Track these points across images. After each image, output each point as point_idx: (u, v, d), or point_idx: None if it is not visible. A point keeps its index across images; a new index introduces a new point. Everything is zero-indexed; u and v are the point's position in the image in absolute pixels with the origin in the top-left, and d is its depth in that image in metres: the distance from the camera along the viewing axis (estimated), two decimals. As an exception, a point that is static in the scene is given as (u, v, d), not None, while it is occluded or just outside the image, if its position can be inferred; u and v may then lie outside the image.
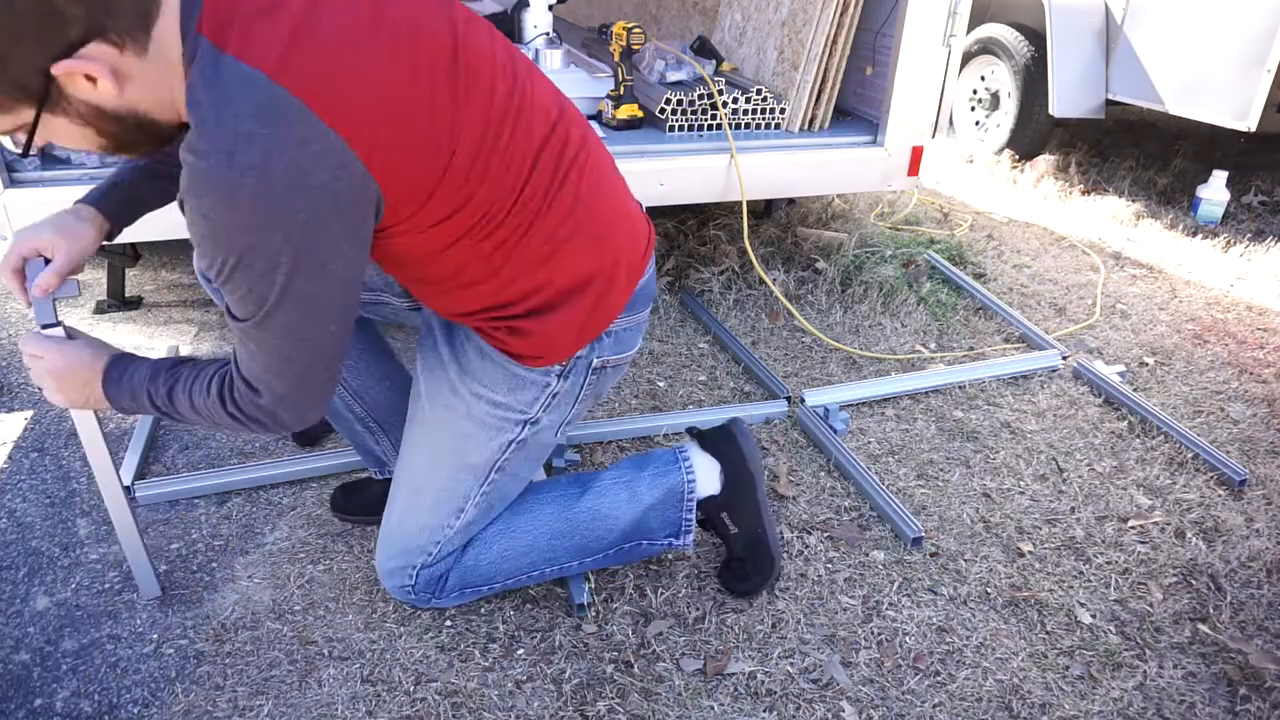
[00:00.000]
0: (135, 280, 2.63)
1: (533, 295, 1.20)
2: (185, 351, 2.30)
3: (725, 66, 2.69)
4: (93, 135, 0.97)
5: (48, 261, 1.17)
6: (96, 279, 2.61)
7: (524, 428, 1.31)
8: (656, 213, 3.01)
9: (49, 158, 1.94)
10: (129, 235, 2.07)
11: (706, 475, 1.49)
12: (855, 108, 2.66)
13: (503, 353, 1.26)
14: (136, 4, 0.89)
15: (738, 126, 2.48)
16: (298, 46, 0.92)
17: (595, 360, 1.30)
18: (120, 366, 1.16)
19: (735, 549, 1.52)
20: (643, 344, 2.39)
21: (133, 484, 1.73)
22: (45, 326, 1.18)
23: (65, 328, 1.19)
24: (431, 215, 1.07)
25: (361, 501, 1.70)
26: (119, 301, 2.48)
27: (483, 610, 1.50)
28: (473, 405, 1.29)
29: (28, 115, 0.90)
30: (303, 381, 1.08)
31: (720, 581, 1.57)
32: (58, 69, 0.86)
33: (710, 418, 2.04)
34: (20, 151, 0.95)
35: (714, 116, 2.44)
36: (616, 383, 1.37)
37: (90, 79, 0.89)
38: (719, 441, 1.51)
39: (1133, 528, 1.77)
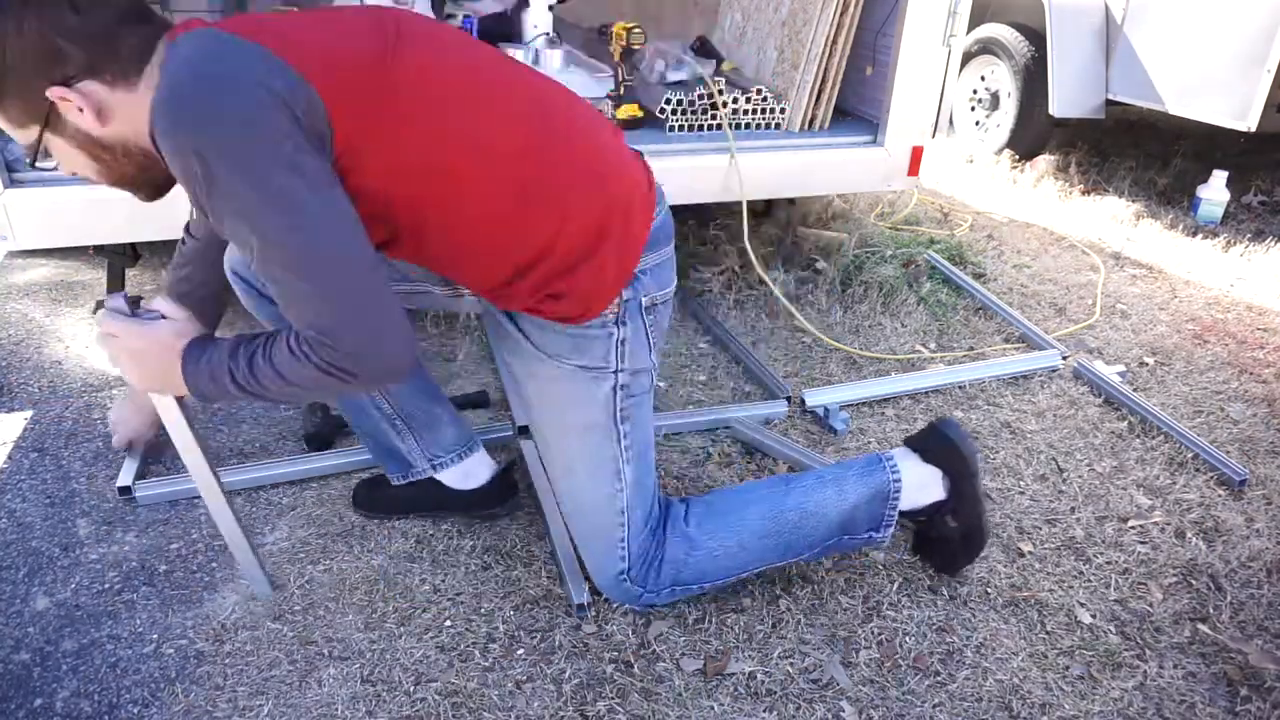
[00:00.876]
0: (135, 280, 2.63)
1: (553, 247, 1.21)
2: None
3: (725, 66, 2.70)
4: (87, 160, 1.10)
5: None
6: (96, 279, 2.61)
7: (615, 376, 1.34)
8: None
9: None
10: (128, 235, 2.10)
11: (926, 484, 1.50)
12: (855, 108, 2.66)
13: (556, 320, 1.28)
14: (138, 48, 1.04)
15: (738, 126, 2.48)
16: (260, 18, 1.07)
17: (644, 299, 1.32)
18: (200, 346, 1.14)
19: (947, 535, 1.55)
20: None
21: (133, 484, 1.73)
22: (128, 305, 1.16)
23: (160, 307, 1.17)
24: (385, 133, 1.08)
25: (387, 498, 1.69)
26: (119, 301, 2.48)
27: (483, 610, 1.50)
28: (560, 364, 1.32)
29: (36, 133, 1.05)
30: (355, 316, 1.05)
31: (921, 557, 1.63)
32: (51, 93, 1.01)
33: (710, 418, 2.04)
34: (29, 161, 1.11)
35: (714, 116, 2.44)
36: (669, 318, 1.42)
37: (80, 109, 1.03)
38: (931, 443, 1.52)
39: (1133, 528, 1.77)
